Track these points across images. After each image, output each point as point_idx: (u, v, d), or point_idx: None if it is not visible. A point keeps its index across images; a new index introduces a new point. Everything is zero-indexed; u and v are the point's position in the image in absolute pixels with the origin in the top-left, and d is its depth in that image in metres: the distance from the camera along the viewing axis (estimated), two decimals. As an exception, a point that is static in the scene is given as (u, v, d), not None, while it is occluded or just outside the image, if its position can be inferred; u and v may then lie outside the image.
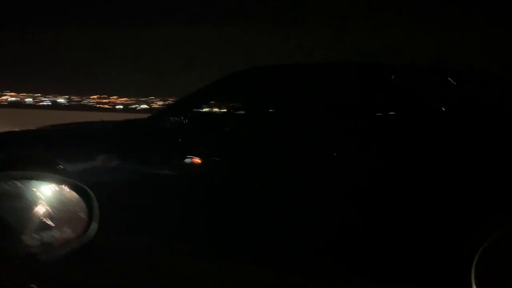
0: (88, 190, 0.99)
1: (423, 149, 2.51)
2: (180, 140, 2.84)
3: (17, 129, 3.96)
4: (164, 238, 2.81)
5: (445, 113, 2.60)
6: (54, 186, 0.98)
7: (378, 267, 2.48)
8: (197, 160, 2.76)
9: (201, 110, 3.11)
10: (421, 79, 3.01)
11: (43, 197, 0.94)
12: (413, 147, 2.54)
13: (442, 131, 2.54)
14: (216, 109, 3.35)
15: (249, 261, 2.67)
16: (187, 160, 2.75)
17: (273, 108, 3.13)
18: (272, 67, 3.35)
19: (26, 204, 0.91)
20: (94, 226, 0.99)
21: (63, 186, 0.99)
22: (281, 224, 2.64)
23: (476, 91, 2.98)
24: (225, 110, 3.38)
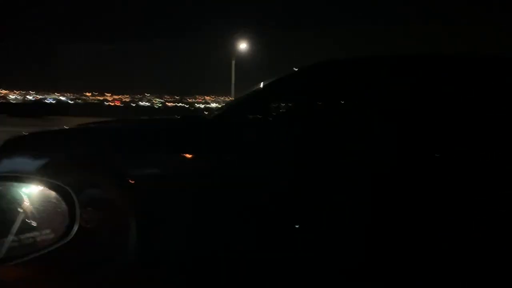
0: (70, 190, 0.96)
1: None
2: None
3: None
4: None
5: None
6: (34, 186, 0.96)
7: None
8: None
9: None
10: None
11: (22, 198, 0.92)
12: None
13: None
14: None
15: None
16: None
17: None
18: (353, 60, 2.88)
19: (3, 206, 0.90)
20: (75, 227, 0.96)
21: (43, 186, 0.96)
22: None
23: None
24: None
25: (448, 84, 2.47)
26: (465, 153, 2.15)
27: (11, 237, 0.88)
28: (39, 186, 0.96)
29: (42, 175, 1.00)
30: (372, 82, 2.77)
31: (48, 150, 2.64)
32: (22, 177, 0.94)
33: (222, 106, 3.19)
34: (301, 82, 2.73)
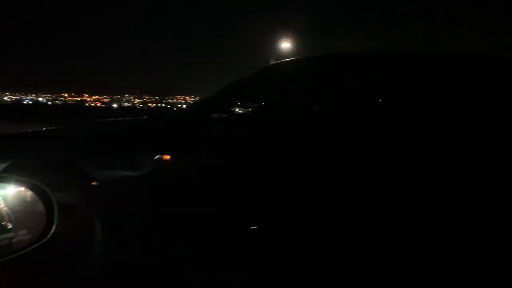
0: (48, 190, 0.93)
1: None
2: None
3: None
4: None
5: None
6: (10, 186, 0.93)
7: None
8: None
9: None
10: None
11: (-3, 198, 0.89)
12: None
13: None
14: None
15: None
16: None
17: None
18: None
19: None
20: (53, 228, 0.93)
21: (20, 186, 0.93)
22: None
23: None
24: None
25: (445, 84, 2.43)
26: (463, 153, 2.11)
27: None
28: (15, 186, 0.92)
29: (19, 174, 0.96)
30: (339, 80, 2.76)
31: (22, 150, 2.58)
32: (-3, 177, 0.90)
33: (187, 106, 3.16)
34: (262, 81, 2.71)
